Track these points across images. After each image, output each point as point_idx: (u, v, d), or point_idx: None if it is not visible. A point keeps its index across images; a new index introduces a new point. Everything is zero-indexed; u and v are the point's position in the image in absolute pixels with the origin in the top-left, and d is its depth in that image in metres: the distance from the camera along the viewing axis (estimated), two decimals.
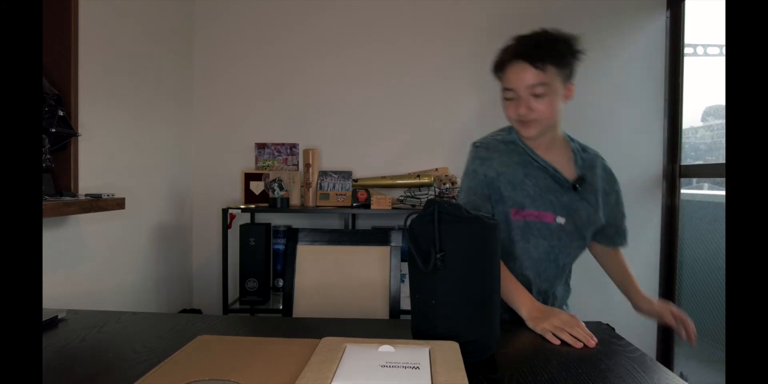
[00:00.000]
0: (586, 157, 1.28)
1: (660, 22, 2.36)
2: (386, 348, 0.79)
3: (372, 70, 2.40)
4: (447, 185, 2.11)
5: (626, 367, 0.83)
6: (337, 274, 1.43)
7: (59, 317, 1.07)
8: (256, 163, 2.41)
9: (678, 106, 2.33)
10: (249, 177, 2.36)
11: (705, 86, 2.33)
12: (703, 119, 2.34)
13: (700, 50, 2.34)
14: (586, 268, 2.47)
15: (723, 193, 2.11)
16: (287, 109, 2.43)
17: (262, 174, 2.34)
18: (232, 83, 2.43)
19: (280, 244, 2.33)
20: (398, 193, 2.35)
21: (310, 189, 2.31)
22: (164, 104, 2.16)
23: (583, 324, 1.00)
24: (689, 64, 2.32)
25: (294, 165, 2.41)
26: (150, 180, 2.06)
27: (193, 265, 2.46)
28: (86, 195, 1.52)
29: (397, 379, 0.69)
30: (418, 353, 0.78)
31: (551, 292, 1.28)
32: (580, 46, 1.15)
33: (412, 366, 0.73)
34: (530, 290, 1.19)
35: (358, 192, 2.31)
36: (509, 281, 1.12)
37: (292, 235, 1.49)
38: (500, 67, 1.17)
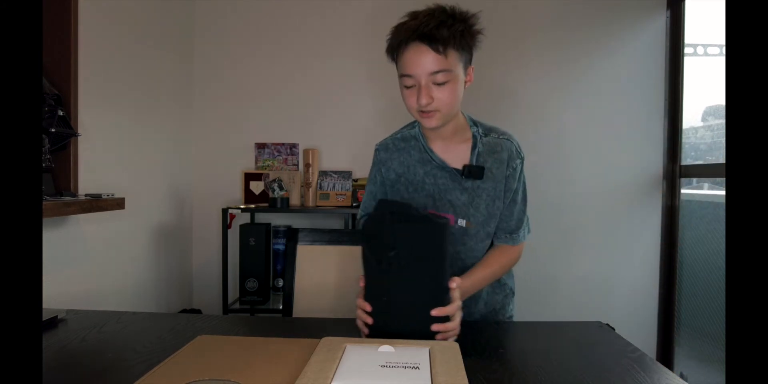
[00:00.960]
0: (487, 142, 1.14)
1: (660, 22, 2.36)
2: (386, 348, 0.79)
3: (372, 69, 2.40)
4: None
5: (626, 367, 0.83)
6: (337, 274, 1.43)
7: (59, 317, 1.07)
8: (256, 163, 2.41)
9: (678, 106, 2.33)
10: (249, 177, 2.36)
11: (705, 86, 2.33)
12: (703, 119, 2.34)
13: (700, 50, 2.34)
14: (586, 268, 2.47)
15: (723, 193, 2.11)
16: (287, 109, 2.43)
17: (262, 174, 2.34)
18: (232, 83, 2.43)
19: (280, 244, 2.33)
20: None
21: (310, 189, 2.31)
22: (164, 104, 2.16)
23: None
24: (689, 64, 2.32)
25: (294, 165, 2.41)
26: (150, 180, 2.06)
27: (193, 265, 2.46)
28: (86, 195, 1.52)
29: (397, 379, 0.69)
30: (418, 353, 0.78)
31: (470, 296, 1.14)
32: (481, 26, 1.04)
33: (412, 366, 0.73)
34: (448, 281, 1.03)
35: (358, 192, 2.31)
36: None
37: (292, 235, 1.49)
38: (396, 48, 1.03)
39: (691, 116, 2.33)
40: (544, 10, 2.37)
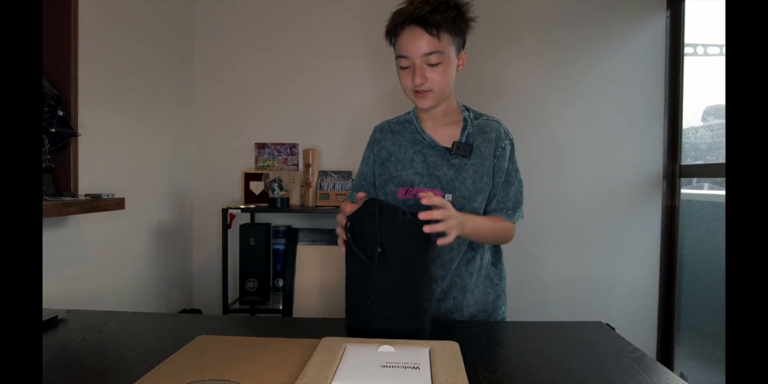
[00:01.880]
0: (477, 124, 1.20)
1: (660, 22, 2.36)
2: (386, 348, 0.79)
3: (372, 69, 2.40)
4: None
5: (626, 367, 0.83)
6: (337, 274, 1.43)
7: (59, 317, 1.07)
8: (256, 163, 2.41)
9: (678, 106, 2.33)
10: (249, 177, 2.36)
11: (705, 86, 2.33)
12: (703, 119, 2.34)
13: (700, 50, 2.34)
14: (586, 268, 2.48)
15: (723, 193, 2.11)
16: (287, 109, 2.43)
17: (262, 174, 2.34)
18: (232, 83, 2.43)
19: (280, 244, 2.33)
20: None
21: (310, 189, 2.31)
22: (164, 104, 2.16)
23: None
24: (689, 64, 2.32)
25: (294, 165, 2.41)
26: (150, 180, 2.06)
27: (193, 265, 2.46)
28: (86, 195, 1.52)
29: (397, 379, 0.69)
30: (418, 353, 0.78)
31: (449, 277, 1.19)
32: (473, 14, 1.13)
33: (412, 366, 0.73)
34: (431, 280, 1.05)
35: None
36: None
37: (292, 235, 1.49)
38: (393, 31, 1.12)
39: (691, 116, 2.33)
40: (544, 10, 2.37)
